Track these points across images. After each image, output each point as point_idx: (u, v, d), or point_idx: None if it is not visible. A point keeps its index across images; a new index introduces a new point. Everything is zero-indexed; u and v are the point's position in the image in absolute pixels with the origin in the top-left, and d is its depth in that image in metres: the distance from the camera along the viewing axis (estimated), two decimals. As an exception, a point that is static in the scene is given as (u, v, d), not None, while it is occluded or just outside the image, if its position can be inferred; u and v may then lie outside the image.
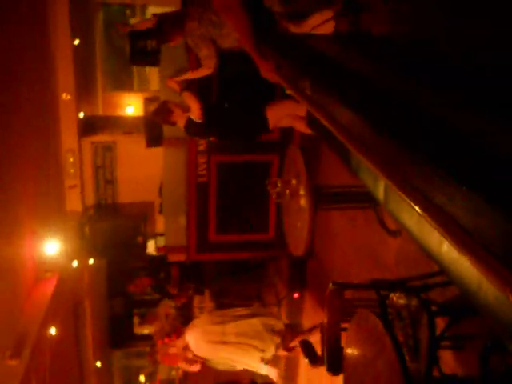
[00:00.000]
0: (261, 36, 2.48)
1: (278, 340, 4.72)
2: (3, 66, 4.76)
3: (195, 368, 4.90)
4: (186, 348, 4.72)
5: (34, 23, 5.97)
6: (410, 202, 1.42)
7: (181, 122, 4.47)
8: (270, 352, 4.67)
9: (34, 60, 5.96)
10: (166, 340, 4.70)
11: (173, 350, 4.75)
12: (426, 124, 1.68)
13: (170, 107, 4.47)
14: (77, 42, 6.89)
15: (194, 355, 4.78)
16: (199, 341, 4.63)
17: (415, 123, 1.70)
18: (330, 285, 2.76)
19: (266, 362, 4.71)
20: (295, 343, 4.69)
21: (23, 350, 4.36)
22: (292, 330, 4.87)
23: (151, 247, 8.43)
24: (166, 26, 4.28)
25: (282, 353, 4.83)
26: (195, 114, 4.31)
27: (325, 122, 1.89)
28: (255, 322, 4.78)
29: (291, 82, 2.26)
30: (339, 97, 2.03)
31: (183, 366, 4.98)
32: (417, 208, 1.40)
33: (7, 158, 4.84)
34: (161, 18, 4.45)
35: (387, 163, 1.64)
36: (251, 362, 4.72)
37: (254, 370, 4.88)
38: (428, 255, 1.96)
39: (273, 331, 4.74)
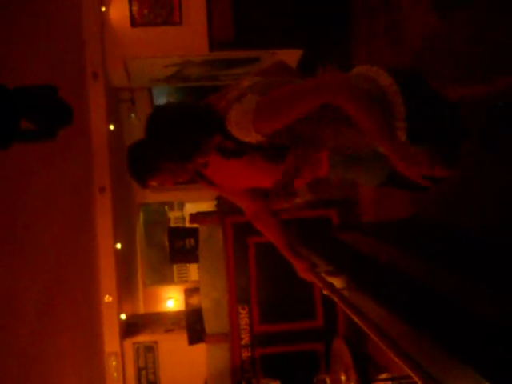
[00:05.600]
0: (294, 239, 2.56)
1: None
2: (51, 273, 4.96)
3: None
4: None
5: (80, 232, 6.35)
6: None
7: None
8: None
9: (79, 264, 6.22)
10: None
11: None
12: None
13: None
14: (119, 245, 7.21)
15: None
16: None
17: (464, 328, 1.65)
18: None
19: None
20: None
21: None
22: None
23: None
24: None
25: None
26: None
27: (362, 325, 1.87)
28: None
29: (328, 283, 2.28)
30: (378, 298, 2.02)
31: None
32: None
33: (50, 366, 4.81)
34: None
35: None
36: None
37: None
38: None
39: None
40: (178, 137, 1.86)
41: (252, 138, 1.85)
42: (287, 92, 1.84)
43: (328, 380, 3.45)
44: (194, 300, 7.38)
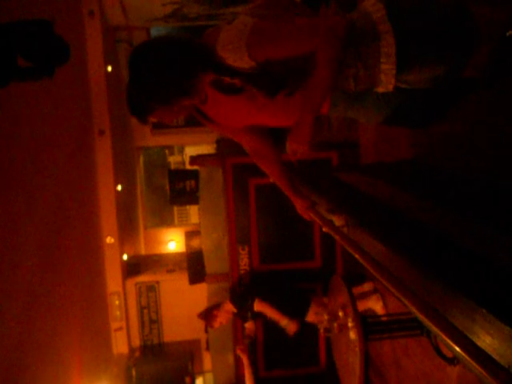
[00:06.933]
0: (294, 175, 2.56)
1: None
2: (54, 215, 5.00)
3: None
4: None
5: (81, 174, 6.35)
6: (444, 336, 1.37)
7: (224, 321, 5.13)
8: None
9: (80, 206, 6.26)
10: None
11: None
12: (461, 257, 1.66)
13: (214, 313, 5.06)
14: (120, 187, 7.23)
15: None
16: None
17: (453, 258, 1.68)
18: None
19: None
20: None
21: None
22: None
23: (200, 384, 8.18)
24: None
25: None
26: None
27: (361, 261, 1.89)
28: None
29: (328, 221, 2.29)
30: (377, 235, 2.04)
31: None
32: (452, 343, 1.34)
33: (54, 305, 4.91)
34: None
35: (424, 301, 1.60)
36: None
37: None
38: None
39: None
40: (165, 77, 1.75)
41: (244, 62, 1.76)
42: (287, 26, 1.75)
43: (325, 316, 3.53)
44: (195, 242, 7.48)
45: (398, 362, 4.55)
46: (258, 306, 4.99)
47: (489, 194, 2.18)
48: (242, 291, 5.37)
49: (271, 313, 4.95)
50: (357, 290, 4.91)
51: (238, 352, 4.95)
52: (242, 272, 5.71)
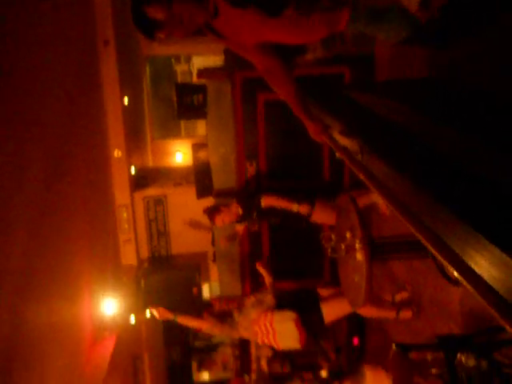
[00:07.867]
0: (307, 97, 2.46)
1: None
2: (60, 129, 4.94)
3: None
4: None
5: (86, 87, 6.20)
6: (443, 260, 1.38)
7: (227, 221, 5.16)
8: None
9: (87, 119, 6.17)
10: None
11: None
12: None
13: (220, 208, 5.12)
14: (126, 99, 7.10)
15: None
16: None
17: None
18: (393, 346, 2.64)
19: None
20: None
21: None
22: None
23: (206, 291, 8.46)
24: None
25: None
26: None
27: (374, 188, 1.86)
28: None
29: (341, 147, 2.23)
30: (390, 161, 1.98)
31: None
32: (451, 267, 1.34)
33: (62, 216, 4.96)
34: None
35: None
36: None
37: None
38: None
39: None
40: None
41: None
42: None
43: (333, 237, 3.54)
44: (202, 154, 7.44)
45: (402, 280, 4.64)
46: (265, 201, 5.01)
47: (505, 115, 2.10)
48: (249, 191, 5.41)
49: (280, 202, 4.95)
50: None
51: (258, 267, 4.97)
52: (249, 177, 5.73)
